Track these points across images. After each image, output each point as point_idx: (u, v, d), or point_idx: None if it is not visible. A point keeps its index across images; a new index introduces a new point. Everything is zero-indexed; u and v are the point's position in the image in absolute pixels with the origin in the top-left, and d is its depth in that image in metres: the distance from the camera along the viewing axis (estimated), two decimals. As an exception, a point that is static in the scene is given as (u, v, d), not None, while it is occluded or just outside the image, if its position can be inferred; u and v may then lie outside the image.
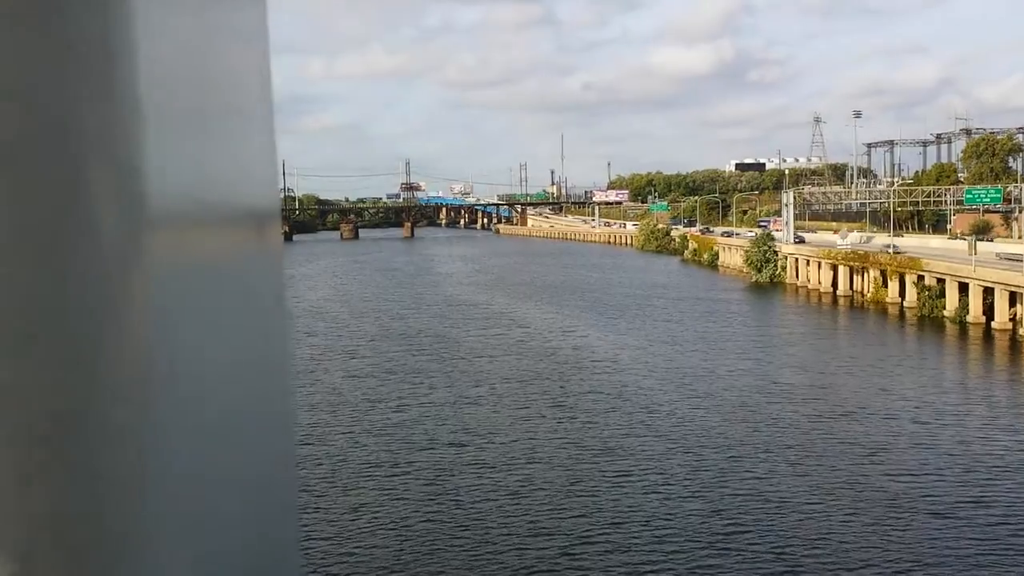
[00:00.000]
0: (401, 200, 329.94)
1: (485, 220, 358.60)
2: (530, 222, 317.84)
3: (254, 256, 1.28)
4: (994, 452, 40.28)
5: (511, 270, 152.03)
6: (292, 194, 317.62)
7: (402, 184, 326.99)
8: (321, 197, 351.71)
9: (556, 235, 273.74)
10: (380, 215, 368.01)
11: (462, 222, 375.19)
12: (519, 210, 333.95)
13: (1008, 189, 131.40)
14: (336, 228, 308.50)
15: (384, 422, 47.49)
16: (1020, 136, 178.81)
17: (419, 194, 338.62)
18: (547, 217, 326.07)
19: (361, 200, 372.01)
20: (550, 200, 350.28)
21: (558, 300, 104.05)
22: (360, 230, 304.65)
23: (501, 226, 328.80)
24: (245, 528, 1.11)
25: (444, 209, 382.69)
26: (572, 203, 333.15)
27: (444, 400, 52.31)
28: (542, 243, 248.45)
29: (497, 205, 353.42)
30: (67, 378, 0.51)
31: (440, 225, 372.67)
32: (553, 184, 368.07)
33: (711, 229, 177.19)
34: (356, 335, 78.70)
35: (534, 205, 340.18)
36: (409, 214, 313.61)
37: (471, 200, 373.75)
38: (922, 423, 45.68)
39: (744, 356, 65.91)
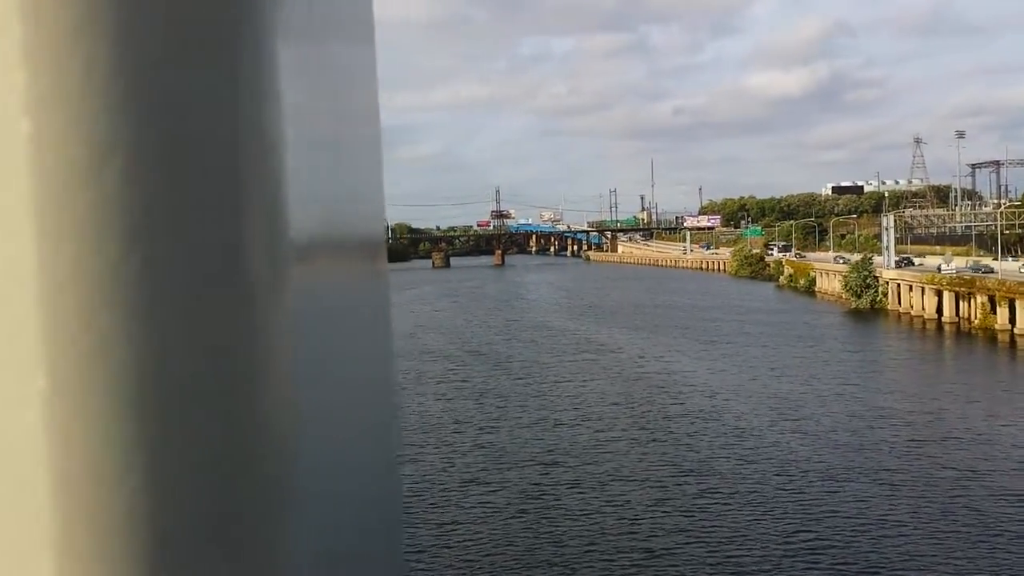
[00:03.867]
0: (491, 228, 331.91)
1: (575, 247, 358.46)
2: (620, 248, 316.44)
3: (369, 281, 1.40)
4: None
5: (601, 296, 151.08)
6: (386, 223, 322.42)
7: (492, 212, 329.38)
8: (413, 226, 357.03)
9: (647, 261, 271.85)
10: (471, 243, 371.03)
11: (552, 249, 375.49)
12: (609, 236, 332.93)
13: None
14: (428, 256, 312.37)
15: (475, 442, 47.32)
16: None
17: (509, 222, 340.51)
18: (637, 243, 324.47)
19: (452, 228, 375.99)
20: (640, 226, 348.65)
21: (650, 326, 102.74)
22: (451, 258, 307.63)
23: (591, 253, 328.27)
24: (357, 532, 1.16)
25: (534, 236, 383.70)
26: (662, 229, 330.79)
27: (533, 421, 51.90)
28: (633, 269, 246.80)
29: (587, 232, 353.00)
30: (231, 384, 0.57)
31: (530, 253, 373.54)
32: (643, 210, 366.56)
33: (803, 255, 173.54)
34: (449, 360, 78.92)
35: (624, 231, 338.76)
36: (499, 241, 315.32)
37: (561, 227, 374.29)
38: (1037, 452, 43.48)
39: (844, 382, 63.88)
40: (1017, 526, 32.80)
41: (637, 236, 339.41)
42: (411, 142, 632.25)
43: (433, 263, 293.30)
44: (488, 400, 59.64)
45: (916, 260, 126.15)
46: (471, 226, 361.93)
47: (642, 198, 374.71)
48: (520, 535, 33.36)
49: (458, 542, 32.78)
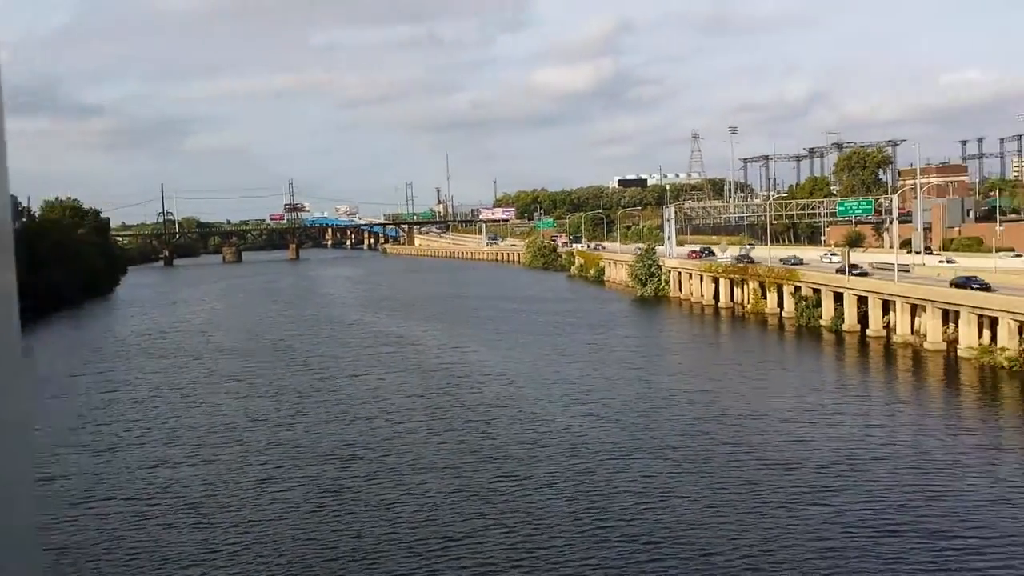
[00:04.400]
0: (285, 222, 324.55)
1: (372, 240, 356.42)
2: (417, 241, 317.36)
3: None
4: (869, 447, 41.76)
5: (398, 289, 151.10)
6: (172, 217, 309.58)
7: (285, 205, 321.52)
8: (202, 220, 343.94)
9: (444, 253, 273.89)
10: (264, 237, 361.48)
11: (348, 243, 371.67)
12: (406, 229, 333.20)
13: (879, 201, 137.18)
14: (218, 251, 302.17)
15: (270, 440, 46.39)
16: (889, 149, 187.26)
17: (304, 215, 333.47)
18: (434, 236, 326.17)
19: (244, 222, 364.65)
20: (437, 219, 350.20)
21: (447, 317, 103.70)
22: (244, 253, 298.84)
23: (388, 246, 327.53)
24: None
25: (330, 230, 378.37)
26: (459, 221, 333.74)
27: (331, 416, 51.43)
28: (430, 262, 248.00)
29: (384, 225, 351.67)
30: None
31: (326, 246, 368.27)
32: (440, 203, 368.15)
33: (603, 245, 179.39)
34: (242, 358, 76.82)
35: (421, 224, 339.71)
36: (294, 235, 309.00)
37: (358, 220, 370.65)
38: (799, 422, 47.05)
39: (631, 366, 66.91)
40: (784, 492, 35.55)
41: (434, 229, 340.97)
42: (198, 133, 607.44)
43: (224, 258, 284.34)
44: (285, 397, 58.57)
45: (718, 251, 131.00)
46: (264, 220, 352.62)
47: (438, 191, 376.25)
48: (319, 530, 33.10)
49: (255, 541, 32.15)
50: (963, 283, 73.36)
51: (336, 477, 39.74)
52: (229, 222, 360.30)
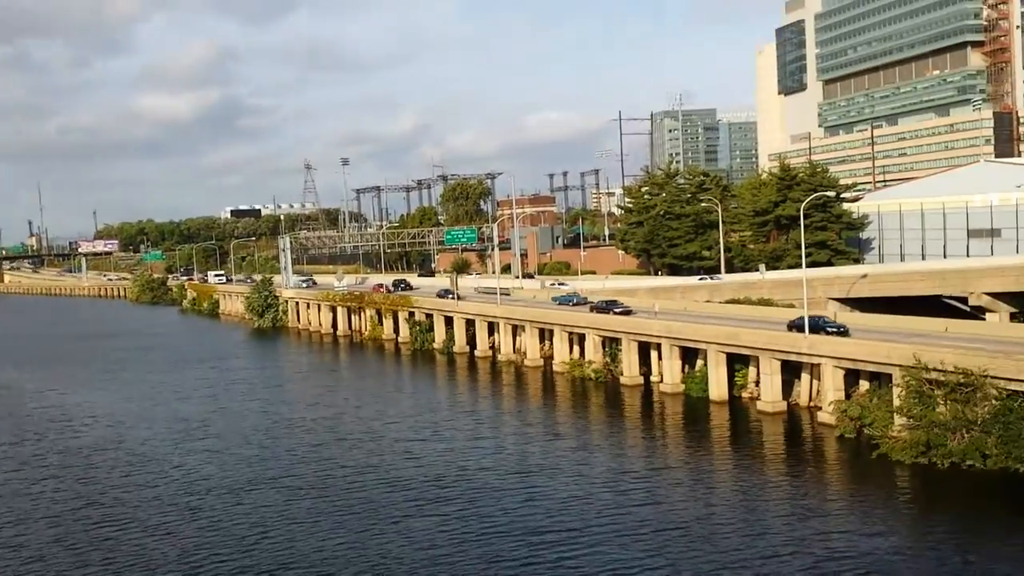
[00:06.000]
0: None
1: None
2: (7, 278, 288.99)
3: None
4: (477, 458, 44.56)
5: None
6: None
7: None
8: None
9: (39, 290, 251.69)
10: None
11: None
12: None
13: (481, 229, 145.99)
14: None
15: None
16: (488, 181, 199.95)
17: None
18: (27, 272, 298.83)
19: None
20: (30, 253, 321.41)
21: (43, 359, 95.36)
22: None
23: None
24: None
25: None
26: (55, 255, 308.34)
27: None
28: (21, 300, 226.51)
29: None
30: None
31: None
32: (32, 236, 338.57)
33: (229, 278, 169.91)
34: None
35: (11, 259, 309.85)
36: None
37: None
38: (413, 440, 49.03)
39: (249, 398, 65.76)
40: (400, 507, 36.98)
41: (26, 263, 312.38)
42: None
43: None
44: None
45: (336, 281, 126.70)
46: None
47: (31, 223, 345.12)
48: None
49: None
50: (604, 307, 72.99)
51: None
52: None
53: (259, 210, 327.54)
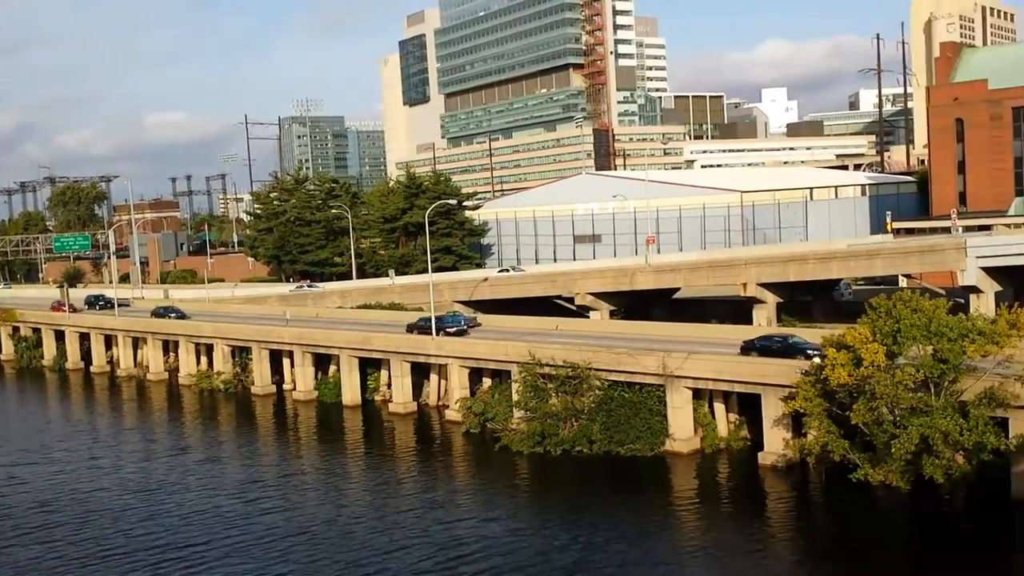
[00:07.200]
0: None
1: None
2: None
3: None
4: (90, 479, 41.90)
5: None
6: None
7: None
8: None
9: None
10: None
11: None
12: None
13: (96, 236, 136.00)
14: None
15: None
16: (103, 184, 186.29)
17: None
18: None
19: None
20: None
21: None
22: None
23: None
24: None
25: None
26: None
27: None
28: None
29: None
30: None
31: None
32: None
33: None
34: None
35: None
36: None
37: None
38: (20, 465, 45.32)
39: None
40: (3, 537, 33.94)
41: None
42: None
43: None
44: None
45: None
46: None
47: None
48: None
49: None
50: (162, 313, 76.10)
51: None
52: None
53: None
